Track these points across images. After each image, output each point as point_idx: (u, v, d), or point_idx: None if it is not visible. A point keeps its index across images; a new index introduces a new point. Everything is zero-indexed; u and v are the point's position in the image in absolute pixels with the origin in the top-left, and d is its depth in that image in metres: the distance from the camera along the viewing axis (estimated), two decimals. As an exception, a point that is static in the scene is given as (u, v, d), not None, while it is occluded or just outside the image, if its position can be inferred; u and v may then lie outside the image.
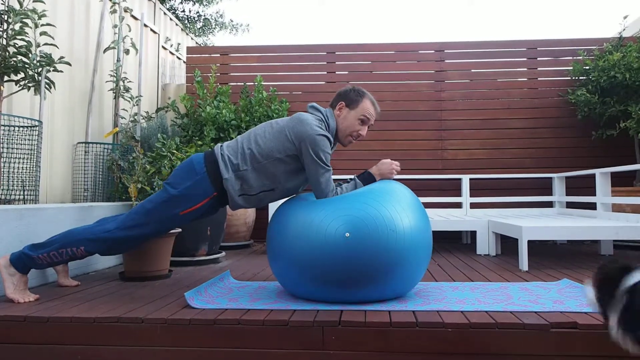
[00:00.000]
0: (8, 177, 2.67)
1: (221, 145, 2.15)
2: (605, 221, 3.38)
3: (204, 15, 9.47)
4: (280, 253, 2.00)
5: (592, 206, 4.19)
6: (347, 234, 1.83)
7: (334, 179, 2.18)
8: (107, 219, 2.18)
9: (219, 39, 9.97)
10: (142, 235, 2.11)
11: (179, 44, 5.80)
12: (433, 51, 4.86)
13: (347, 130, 2.17)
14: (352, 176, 2.20)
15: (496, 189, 4.58)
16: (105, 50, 3.91)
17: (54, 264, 2.13)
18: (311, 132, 1.99)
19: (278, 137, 2.05)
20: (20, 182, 2.72)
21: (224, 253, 3.39)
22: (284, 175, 2.07)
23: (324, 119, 2.12)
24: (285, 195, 2.17)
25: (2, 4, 2.76)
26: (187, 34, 6.60)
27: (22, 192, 2.73)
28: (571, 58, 4.60)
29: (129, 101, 4.04)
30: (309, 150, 2.00)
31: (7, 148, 2.68)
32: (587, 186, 4.38)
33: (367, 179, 2.13)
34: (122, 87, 3.93)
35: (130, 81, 4.02)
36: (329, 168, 2.04)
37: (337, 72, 4.89)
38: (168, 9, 7.43)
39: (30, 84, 2.86)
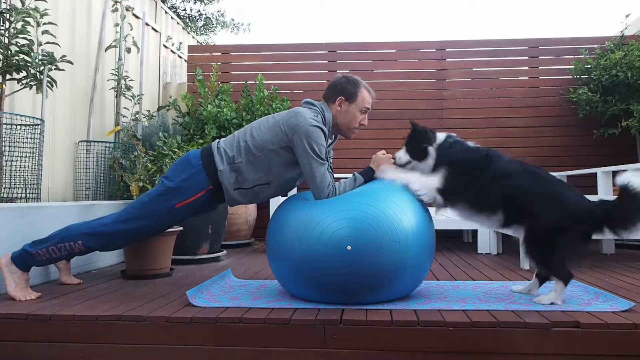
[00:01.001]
0: (10, 175, 2.68)
1: (218, 141, 2.16)
2: (606, 220, 3.37)
3: (205, 14, 9.48)
4: (279, 255, 1.99)
5: (593, 205, 4.18)
6: (349, 248, 1.79)
7: (337, 178, 2.16)
8: (107, 215, 2.19)
9: (220, 37, 9.97)
10: (138, 228, 2.11)
11: (180, 42, 5.80)
12: (434, 50, 4.85)
13: (351, 124, 2.18)
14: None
15: (497, 187, 4.57)
16: (106, 49, 3.91)
17: (54, 260, 2.14)
18: (304, 124, 1.98)
19: (272, 129, 2.05)
20: (22, 181, 2.73)
21: (225, 251, 3.40)
22: (278, 168, 2.06)
23: (320, 111, 2.11)
24: (282, 189, 2.16)
25: (4, 2, 2.77)
26: (188, 33, 6.60)
27: (24, 191, 2.74)
28: (573, 57, 4.59)
29: (130, 100, 4.05)
30: (303, 142, 1.97)
31: (9, 146, 2.69)
32: (588, 185, 4.37)
33: (368, 173, 2.11)
34: (123, 86, 3.94)
35: (131, 80, 4.03)
36: (323, 162, 2.00)
37: (338, 71, 4.88)
38: (169, 8, 7.43)
39: (32, 83, 2.86)
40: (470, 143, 2.08)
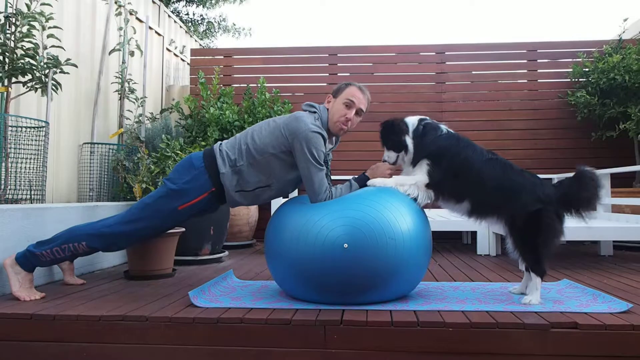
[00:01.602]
0: (15, 177, 2.70)
1: (220, 143, 2.19)
2: (604, 222, 3.40)
3: (207, 19, 9.51)
4: (277, 256, 2.01)
5: (592, 207, 4.20)
6: (346, 245, 1.81)
7: (335, 180, 2.18)
8: (110, 216, 2.22)
9: (221, 42, 10.00)
10: (141, 229, 2.14)
11: (183, 46, 5.84)
12: (434, 53, 4.88)
13: (335, 117, 2.16)
14: (350, 177, 2.21)
15: (497, 190, 4.59)
16: (110, 52, 3.94)
17: (58, 260, 2.16)
18: (305, 129, 2.01)
19: (273, 133, 2.08)
20: (27, 182, 2.76)
21: (226, 252, 3.42)
22: (279, 170, 2.09)
23: (319, 115, 2.14)
24: (283, 191, 2.19)
25: (10, 7, 2.80)
26: (191, 36, 6.64)
27: (28, 192, 2.76)
28: (571, 60, 4.62)
29: (133, 102, 4.08)
30: (303, 147, 2.00)
31: (15, 148, 2.72)
32: (587, 188, 4.39)
33: (363, 180, 2.14)
34: (127, 89, 3.97)
35: (135, 83, 4.06)
36: (322, 167, 2.03)
37: (339, 74, 4.92)
38: (172, 12, 7.47)
39: (37, 86, 2.89)
40: (442, 126, 2.12)
